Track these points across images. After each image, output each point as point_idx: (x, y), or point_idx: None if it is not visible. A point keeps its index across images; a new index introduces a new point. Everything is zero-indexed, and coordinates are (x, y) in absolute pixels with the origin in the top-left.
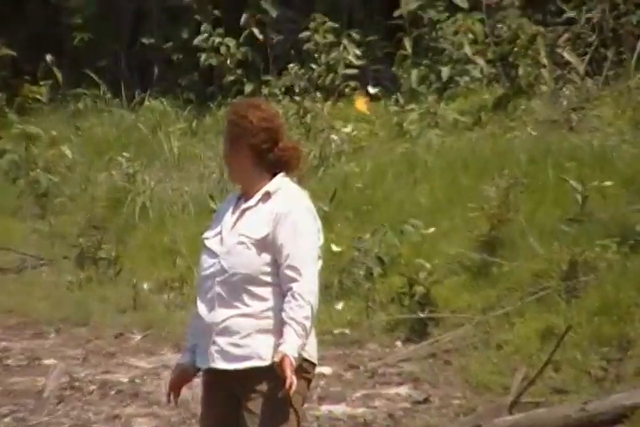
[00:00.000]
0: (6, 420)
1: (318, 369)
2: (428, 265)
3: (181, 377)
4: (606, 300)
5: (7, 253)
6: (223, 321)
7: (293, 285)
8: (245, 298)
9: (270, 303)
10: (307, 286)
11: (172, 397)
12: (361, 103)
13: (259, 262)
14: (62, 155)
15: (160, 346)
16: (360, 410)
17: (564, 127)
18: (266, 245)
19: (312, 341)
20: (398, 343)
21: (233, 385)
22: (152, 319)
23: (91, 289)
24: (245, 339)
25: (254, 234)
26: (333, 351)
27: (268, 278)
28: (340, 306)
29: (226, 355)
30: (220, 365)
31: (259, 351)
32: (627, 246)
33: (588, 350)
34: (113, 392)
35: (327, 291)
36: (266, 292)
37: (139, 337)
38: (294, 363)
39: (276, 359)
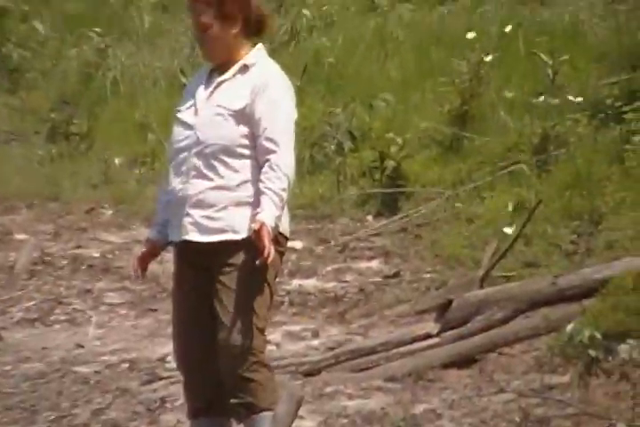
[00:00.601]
0: None
1: (290, 244)
2: (399, 139)
3: (149, 251)
4: (577, 173)
5: None
6: (198, 193)
7: (271, 156)
8: (221, 170)
9: (246, 176)
10: (284, 159)
11: (139, 271)
12: None
13: (236, 134)
14: (34, 30)
15: (131, 221)
16: (331, 284)
17: (535, 1)
18: (243, 116)
19: (285, 214)
20: (369, 218)
21: (205, 258)
22: (123, 194)
23: (62, 164)
24: (220, 212)
25: (232, 105)
26: (304, 226)
27: (245, 151)
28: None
29: (200, 227)
30: (195, 237)
31: (233, 224)
32: (597, 120)
33: (559, 223)
34: (84, 267)
35: (299, 165)
36: (242, 164)
37: (110, 212)
38: (271, 232)
39: (255, 227)
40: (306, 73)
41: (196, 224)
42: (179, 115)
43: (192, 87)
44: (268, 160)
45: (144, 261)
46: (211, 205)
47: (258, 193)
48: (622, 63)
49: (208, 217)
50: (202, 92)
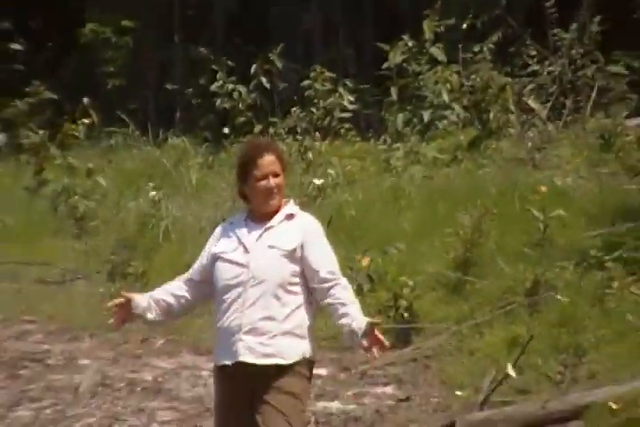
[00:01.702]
0: (47, 411)
1: (316, 371)
2: (410, 282)
3: (127, 307)
4: (564, 313)
5: (50, 268)
6: (252, 322)
7: (340, 281)
8: (273, 303)
9: (291, 310)
10: (349, 286)
11: (118, 321)
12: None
13: (288, 272)
14: (97, 184)
15: (179, 349)
16: (351, 406)
17: (528, 165)
18: (295, 256)
19: (314, 344)
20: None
21: (253, 380)
22: (173, 326)
23: None
24: (271, 339)
25: (285, 246)
26: (329, 355)
27: (294, 288)
28: None
29: (253, 351)
30: (249, 359)
31: (282, 351)
32: (582, 268)
33: (548, 356)
34: (139, 389)
35: None
36: (291, 299)
37: (161, 341)
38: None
39: (369, 326)
40: (331, 224)
41: (250, 349)
42: (225, 255)
43: (228, 233)
44: (338, 284)
45: (123, 313)
46: (263, 333)
47: (304, 322)
48: (604, 218)
49: (261, 343)
50: (249, 235)
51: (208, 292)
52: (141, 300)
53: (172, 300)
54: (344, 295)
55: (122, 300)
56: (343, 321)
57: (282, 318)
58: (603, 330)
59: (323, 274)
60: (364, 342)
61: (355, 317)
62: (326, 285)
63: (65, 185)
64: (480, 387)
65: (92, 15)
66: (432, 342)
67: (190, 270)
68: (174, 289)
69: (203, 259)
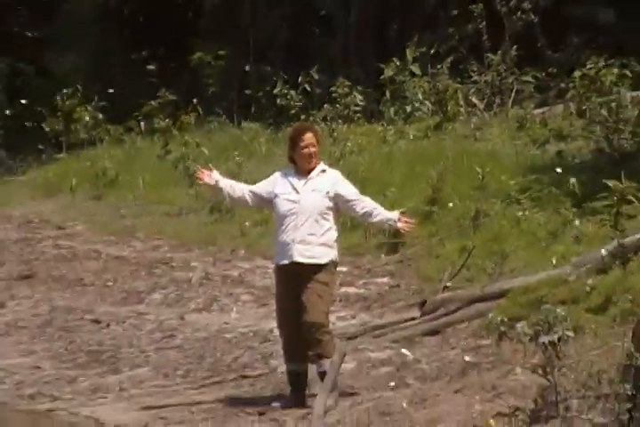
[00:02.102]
0: (172, 295)
1: (339, 268)
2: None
3: (210, 174)
4: (494, 231)
5: (172, 206)
6: (302, 236)
7: (365, 198)
8: (314, 225)
9: (327, 228)
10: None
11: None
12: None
13: (324, 205)
14: (202, 153)
15: (254, 256)
16: (362, 290)
17: (472, 139)
18: (329, 195)
19: (337, 251)
20: (382, 256)
21: (302, 272)
22: (251, 239)
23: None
24: (314, 248)
25: (323, 189)
26: (347, 259)
27: (328, 216)
28: None
29: (302, 255)
30: (300, 259)
31: (320, 255)
32: (506, 203)
33: (484, 258)
34: (229, 280)
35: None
36: (325, 222)
37: (242, 251)
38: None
39: (400, 216)
40: (348, 177)
41: (300, 253)
42: (283, 195)
43: (280, 181)
44: (364, 200)
45: (206, 175)
46: (308, 243)
47: (333, 238)
48: (519, 172)
49: (307, 250)
50: (298, 182)
51: (257, 204)
52: (220, 177)
53: (238, 192)
54: (372, 204)
55: (208, 167)
56: (379, 217)
57: (319, 234)
58: (518, 241)
59: (352, 197)
60: (400, 224)
61: (385, 213)
62: (357, 202)
63: (182, 153)
64: (442, 278)
65: (198, 46)
66: (412, 250)
67: (255, 187)
68: (243, 188)
69: (267, 187)
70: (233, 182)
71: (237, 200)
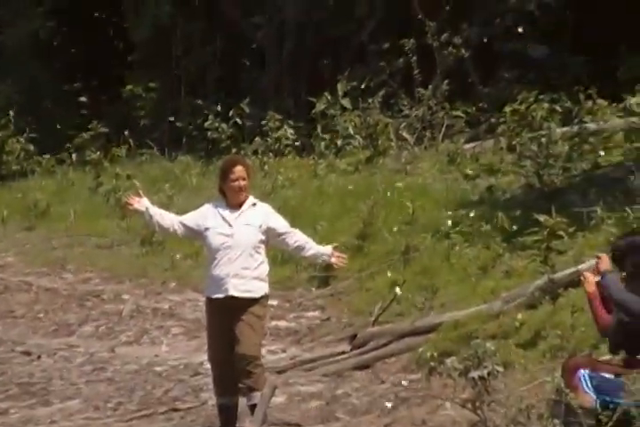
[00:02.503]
0: (102, 328)
1: (270, 302)
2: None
3: (138, 201)
4: (424, 266)
5: (104, 238)
6: (236, 271)
7: (296, 231)
8: (248, 259)
9: (260, 262)
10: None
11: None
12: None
13: (257, 239)
14: (133, 185)
15: (185, 288)
16: (292, 324)
17: (402, 173)
18: (261, 229)
19: (268, 285)
20: (313, 289)
21: (235, 306)
22: (182, 273)
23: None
24: (248, 282)
25: (255, 223)
26: (277, 292)
27: (260, 249)
28: None
29: (237, 289)
30: (235, 293)
31: (253, 289)
32: (436, 238)
33: (415, 293)
34: (160, 313)
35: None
36: (258, 256)
37: (174, 283)
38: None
39: (333, 251)
40: (278, 211)
41: (235, 287)
42: (215, 229)
43: (210, 214)
44: (295, 233)
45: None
46: (242, 277)
47: (265, 271)
48: (449, 206)
49: (242, 284)
50: (230, 215)
51: (187, 235)
52: (150, 204)
53: (167, 221)
54: (303, 238)
55: (138, 194)
56: (312, 251)
57: (253, 268)
58: (449, 276)
59: (283, 230)
60: (333, 259)
61: (318, 247)
62: (289, 235)
63: (113, 186)
64: (372, 312)
65: (129, 79)
66: (343, 284)
67: (184, 218)
68: (173, 219)
69: (197, 219)
70: (163, 211)
71: (166, 229)
